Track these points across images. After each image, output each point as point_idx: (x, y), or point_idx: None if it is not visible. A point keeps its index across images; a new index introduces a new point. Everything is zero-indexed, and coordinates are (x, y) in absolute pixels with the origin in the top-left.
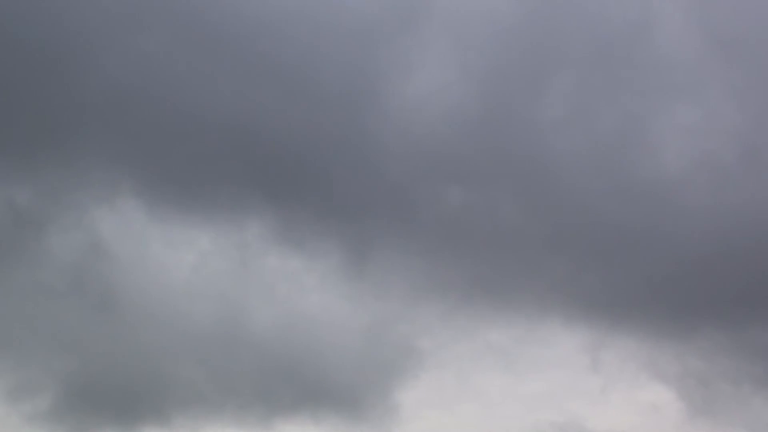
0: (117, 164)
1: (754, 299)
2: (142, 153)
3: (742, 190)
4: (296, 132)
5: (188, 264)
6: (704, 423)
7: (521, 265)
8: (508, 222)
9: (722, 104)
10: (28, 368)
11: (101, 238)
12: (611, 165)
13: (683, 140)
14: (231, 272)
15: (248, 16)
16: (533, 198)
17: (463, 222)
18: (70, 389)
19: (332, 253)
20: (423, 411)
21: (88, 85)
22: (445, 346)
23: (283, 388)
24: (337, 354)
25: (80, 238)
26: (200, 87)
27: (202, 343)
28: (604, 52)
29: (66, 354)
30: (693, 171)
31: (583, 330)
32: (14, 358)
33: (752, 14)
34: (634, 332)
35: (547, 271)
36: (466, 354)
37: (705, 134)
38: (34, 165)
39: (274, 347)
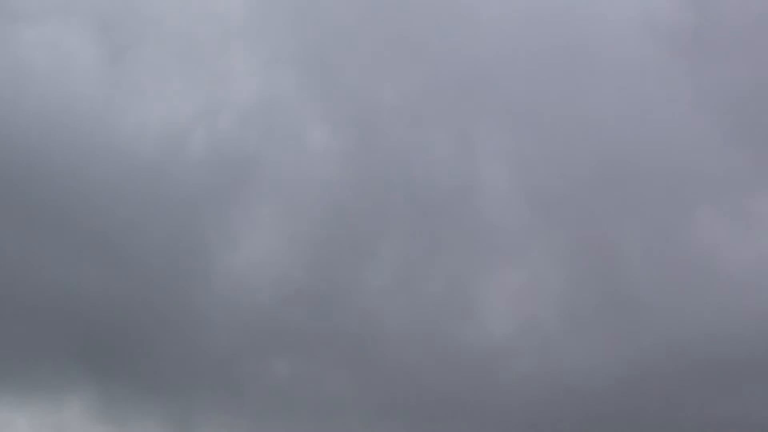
0: None
1: None
2: None
3: (564, 355)
4: (119, 306)
5: None
6: None
7: None
8: (336, 393)
9: (545, 268)
10: None
11: None
12: (437, 332)
13: (507, 305)
14: None
15: (69, 189)
16: (361, 368)
17: (290, 395)
18: None
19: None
20: None
21: None
22: None
23: None
24: None
25: None
26: (18, 261)
27: None
28: (429, 217)
29: None
30: (517, 336)
31: None
32: None
33: (571, 179)
34: None
35: None
36: None
37: (529, 298)
38: None
39: None
